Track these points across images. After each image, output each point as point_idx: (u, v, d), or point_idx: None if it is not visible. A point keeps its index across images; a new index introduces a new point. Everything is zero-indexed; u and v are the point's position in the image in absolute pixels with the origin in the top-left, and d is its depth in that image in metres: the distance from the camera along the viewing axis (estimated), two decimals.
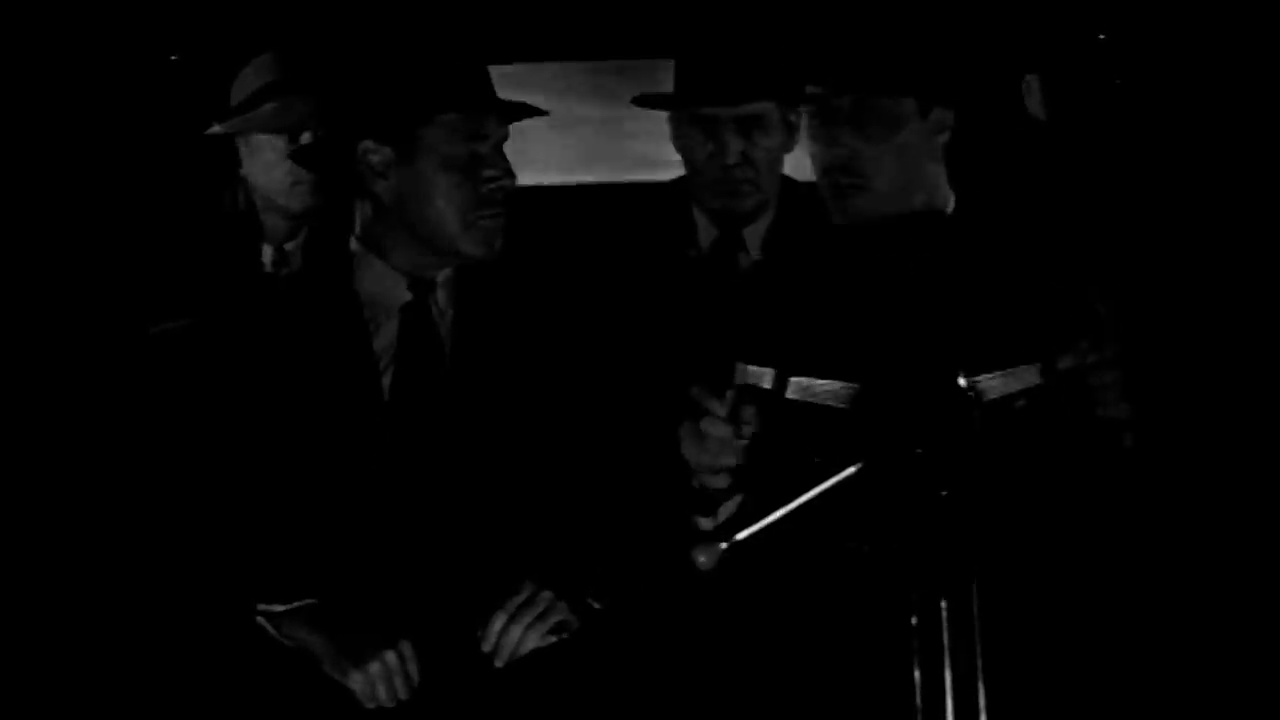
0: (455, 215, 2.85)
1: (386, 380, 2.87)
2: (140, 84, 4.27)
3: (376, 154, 2.87)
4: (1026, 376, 2.46)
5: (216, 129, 3.66)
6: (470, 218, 2.85)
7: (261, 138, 3.61)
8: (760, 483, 2.61)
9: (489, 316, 2.92)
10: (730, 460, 2.62)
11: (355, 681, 2.75)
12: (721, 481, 2.64)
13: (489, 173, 2.86)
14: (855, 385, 2.46)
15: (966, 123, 2.94)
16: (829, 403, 2.49)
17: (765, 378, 2.52)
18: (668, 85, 3.51)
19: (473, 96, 2.87)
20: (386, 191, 2.87)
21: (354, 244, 2.94)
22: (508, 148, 2.92)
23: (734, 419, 2.58)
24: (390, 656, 2.75)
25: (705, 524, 2.47)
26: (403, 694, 2.76)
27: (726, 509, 2.64)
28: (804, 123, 2.89)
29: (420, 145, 2.85)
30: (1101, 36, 4.03)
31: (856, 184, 2.81)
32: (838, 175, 2.81)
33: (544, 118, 3.02)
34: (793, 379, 2.52)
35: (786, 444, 2.57)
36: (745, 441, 2.59)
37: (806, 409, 2.51)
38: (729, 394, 2.56)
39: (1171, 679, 2.93)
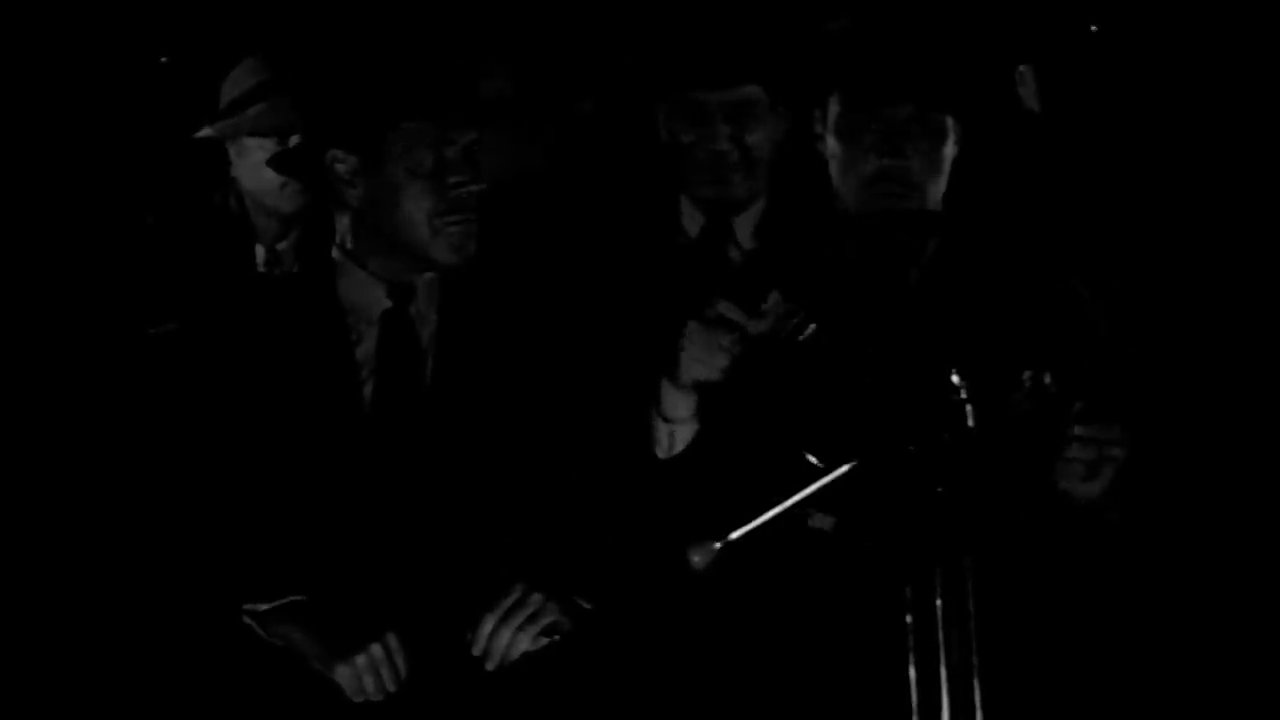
0: (423, 222, 2.83)
1: (369, 389, 2.86)
2: (131, 86, 4.26)
3: (344, 162, 2.86)
4: None
5: (204, 132, 3.65)
6: (438, 224, 2.83)
7: (250, 140, 3.60)
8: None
9: (473, 320, 2.90)
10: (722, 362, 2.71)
11: (341, 675, 2.74)
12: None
13: (455, 178, 2.83)
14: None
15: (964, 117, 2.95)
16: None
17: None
18: None
19: (434, 102, 2.84)
20: (357, 199, 2.86)
21: (335, 252, 2.92)
22: None
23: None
24: (376, 649, 2.73)
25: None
26: (390, 686, 2.74)
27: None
28: (837, 126, 2.88)
29: (386, 152, 2.82)
30: (1094, 28, 4.03)
31: (907, 194, 2.82)
32: (890, 184, 2.82)
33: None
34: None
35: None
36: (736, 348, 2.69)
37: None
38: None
39: (1166, 676, 2.93)
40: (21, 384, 3.55)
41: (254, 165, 3.60)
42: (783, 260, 3.03)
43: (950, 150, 2.88)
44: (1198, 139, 3.79)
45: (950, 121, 2.87)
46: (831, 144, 2.90)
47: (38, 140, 4.14)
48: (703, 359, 2.70)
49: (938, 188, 2.87)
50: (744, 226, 3.44)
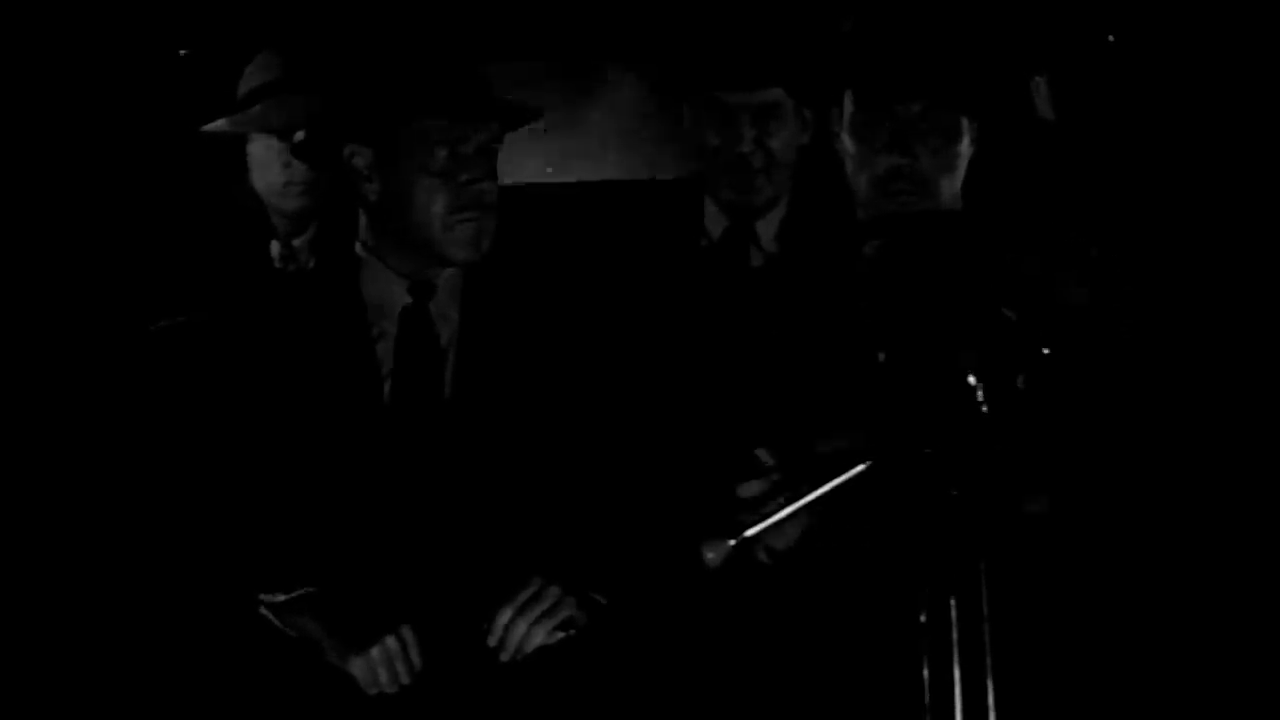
0: (436, 218, 2.83)
1: (389, 385, 2.86)
2: (150, 79, 4.27)
3: (360, 157, 2.87)
4: None
5: (209, 127, 3.65)
6: (450, 221, 2.83)
7: (257, 137, 3.61)
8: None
9: (495, 318, 2.90)
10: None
11: (356, 667, 2.74)
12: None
13: (466, 176, 2.83)
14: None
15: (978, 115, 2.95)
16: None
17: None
18: None
19: (450, 101, 2.84)
20: (374, 194, 2.87)
21: (358, 247, 2.93)
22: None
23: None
24: (391, 641, 2.74)
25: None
26: (405, 678, 2.74)
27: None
28: (851, 124, 2.89)
29: (400, 148, 2.83)
30: (1110, 38, 4.04)
31: (918, 192, 2.83)
32: (900, 183, 2.83)
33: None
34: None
35: None
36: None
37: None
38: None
39: (1179, 677, 2.93)
40: (37, 381, 3.55)
41: (259, 162, 3.61)
42: (804, 263, 3.03)
43: (965, 149, 2.88)
44: (1213, 147, 3.80)
45: (964, 120, 2.87)
46: (846, 143, 2.91)
47: (55, 133, 4.15)
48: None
49: (951, 186, 2.87)
50: (766, 229, 3.45)
